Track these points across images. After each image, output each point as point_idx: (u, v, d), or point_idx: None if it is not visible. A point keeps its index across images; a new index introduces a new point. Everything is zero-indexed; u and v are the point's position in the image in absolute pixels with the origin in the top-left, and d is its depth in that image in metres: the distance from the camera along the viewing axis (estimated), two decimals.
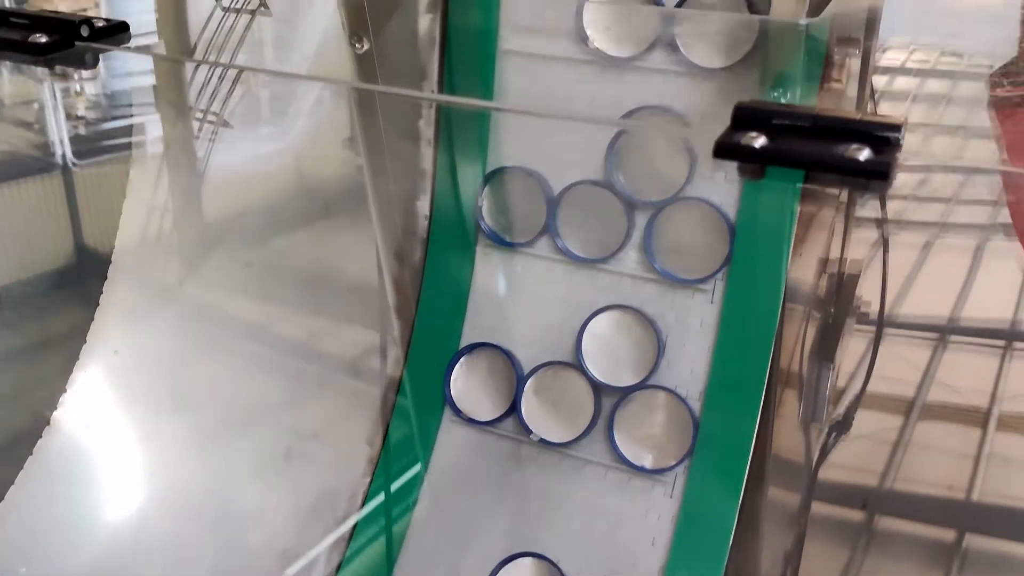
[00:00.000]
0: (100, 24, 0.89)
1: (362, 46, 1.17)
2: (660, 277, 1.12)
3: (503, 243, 1.22)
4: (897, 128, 0.61)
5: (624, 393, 1.20)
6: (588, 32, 1.12)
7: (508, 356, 1.27)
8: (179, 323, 1.44)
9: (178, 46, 1.35)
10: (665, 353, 1.17)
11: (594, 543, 1.25)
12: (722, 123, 0.66)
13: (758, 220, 1.03)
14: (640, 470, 1.21)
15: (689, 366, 1.16)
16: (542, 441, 1.28)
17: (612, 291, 1.17)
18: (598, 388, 1.22)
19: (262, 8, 1.48)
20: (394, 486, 1.38)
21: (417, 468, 1.32)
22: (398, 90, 0.92)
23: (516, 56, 1.19)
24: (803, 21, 0.93)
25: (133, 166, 1.44)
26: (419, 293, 1.29)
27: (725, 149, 0.63)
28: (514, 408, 1.28)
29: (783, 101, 0.99)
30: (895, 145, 0.61)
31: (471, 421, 1.32)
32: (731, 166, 0.77)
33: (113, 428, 1.34)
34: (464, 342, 1.27)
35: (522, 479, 1.29)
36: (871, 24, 1.04)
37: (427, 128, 1.31)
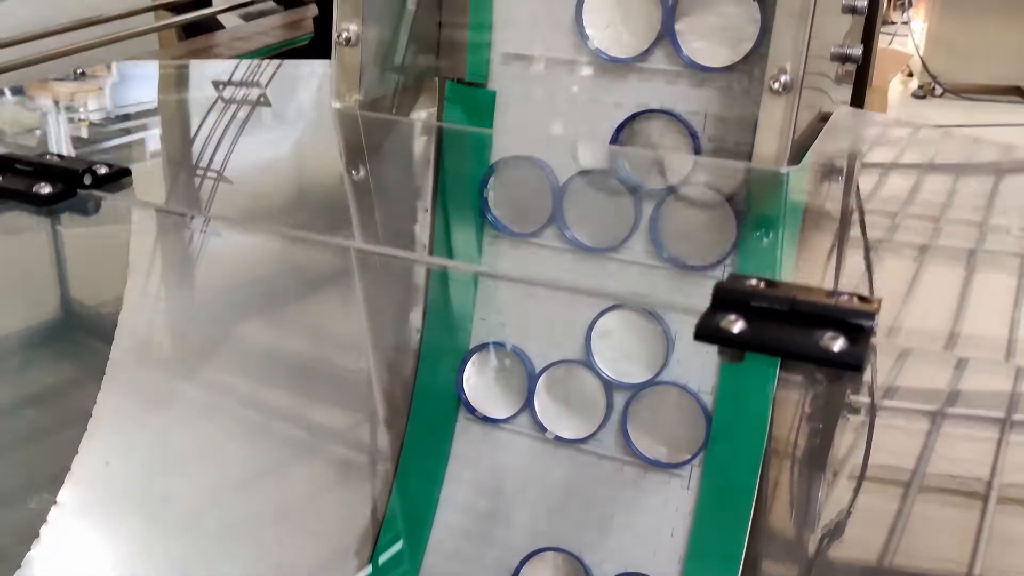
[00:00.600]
0: (103, 171, 0.91)
1: (358, 173, 1.20)
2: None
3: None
4: (871, 315, 0.64)
5: (636, 389, 1.22)
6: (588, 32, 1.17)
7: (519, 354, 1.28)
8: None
9: (180, 133, 1.38)
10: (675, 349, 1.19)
11: (614, 536, 1.26)
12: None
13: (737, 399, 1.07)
14: (655, 464, 1.23)
15: (700, 361, 1.18)
16: (557, 438, 1.31)
17: None
18: (609, 385, 1.25)
19: (261, 99, 1.51)
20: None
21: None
22: (391, 250, 0.94)
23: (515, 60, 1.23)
24: (784, 169, 0.97)
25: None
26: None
27: (705, 333, 0.65)
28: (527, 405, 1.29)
29: (765, 241, 1.02)
30: (869, 332, 0.64)
31: (486, 419, 1.33)
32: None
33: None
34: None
35: (540, 474, 1.31)
36: (851, 169, 1.07)
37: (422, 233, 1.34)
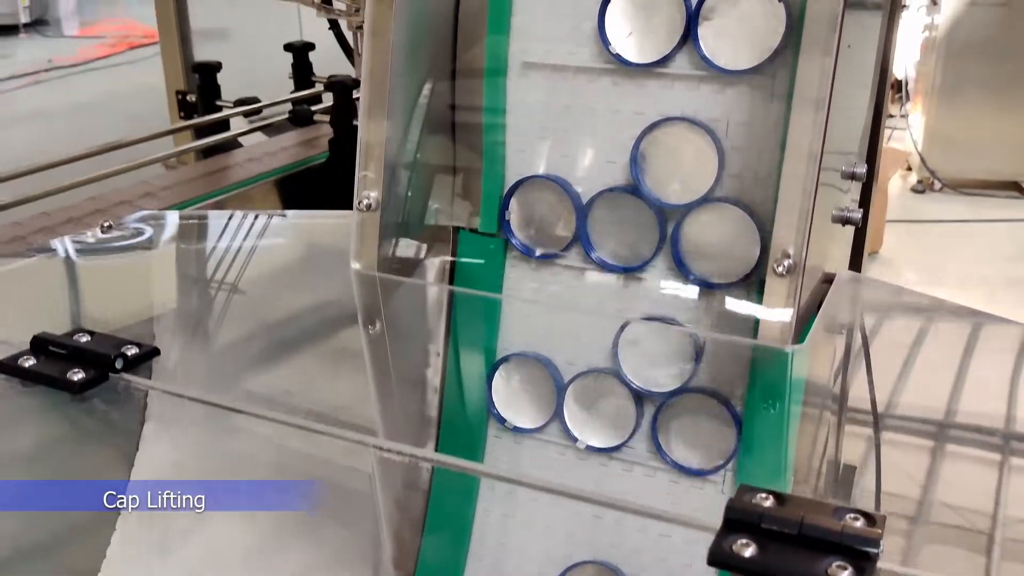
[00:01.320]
0: (132, 352, 0.95)
1: (375, 328, 1.25)
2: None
3: None
4: (876, 542, 0.67)
5: (665, 398, 1.25)
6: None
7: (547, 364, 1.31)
8: None
9: (201, 300, 1.42)
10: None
11: (651, 545, 1.27)
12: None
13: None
14: (688, 471, 1.25)
15: (728, 368, 1.20)
16: (588, 447, 1.33)
17: None
18: (639, 394, 1.27)
19: (281, 258, 1.56)
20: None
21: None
22: (400, 447, 0.97)
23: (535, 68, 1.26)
24: (788, 348, 1.00)
25: None
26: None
27: (718, 559, 0.68)
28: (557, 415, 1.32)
29: (771, 412, 1.06)
30: (874, 559, 0.66)
31: (516, 429, 1.35)
32: None
33: None
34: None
35: (573, 484, 1.31)
36: (853, 348, 1.11)
37: (434, 377, 1.38)
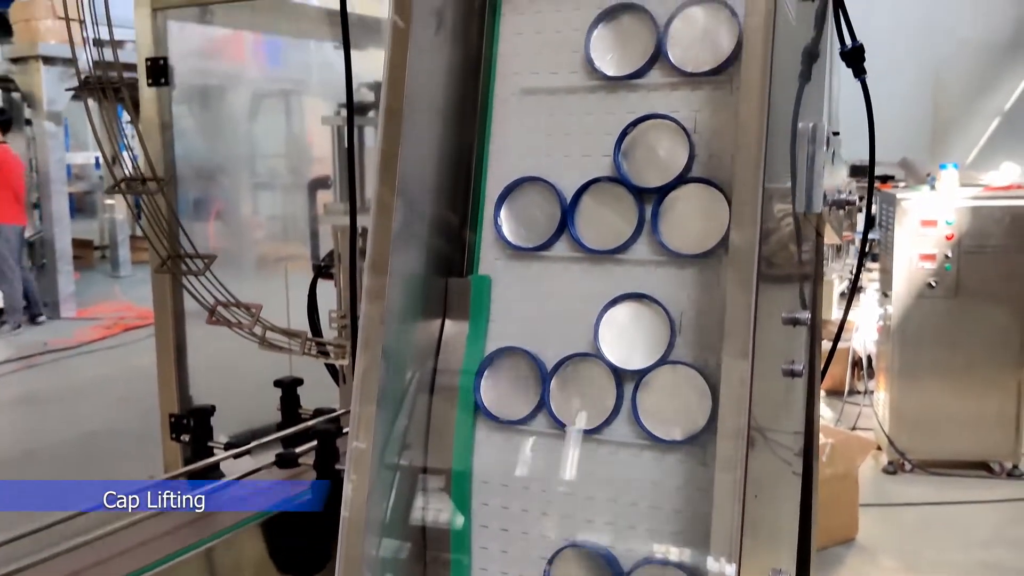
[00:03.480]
0: None
1: None
2: None
3: None
4: None
5: (644, 373, 1.46)
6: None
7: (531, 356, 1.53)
8: None
9: None
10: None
11: (640, 519, 1.41)
12: None
13: None
14: (669, 443, 1.41)
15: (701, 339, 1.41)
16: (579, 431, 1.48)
17: None
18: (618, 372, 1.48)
19: None
20: None
21: None
22: None
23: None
24: None
25: None
26: None
27: None
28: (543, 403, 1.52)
29: None
30: None
31: (506, 422, 1.53)
32: None
33: None
34: None
35: (563, 468, 1.46)
36: None
37: None
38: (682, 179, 1.50)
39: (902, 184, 7.09)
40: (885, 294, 5.54)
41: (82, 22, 2.62)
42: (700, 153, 1.50)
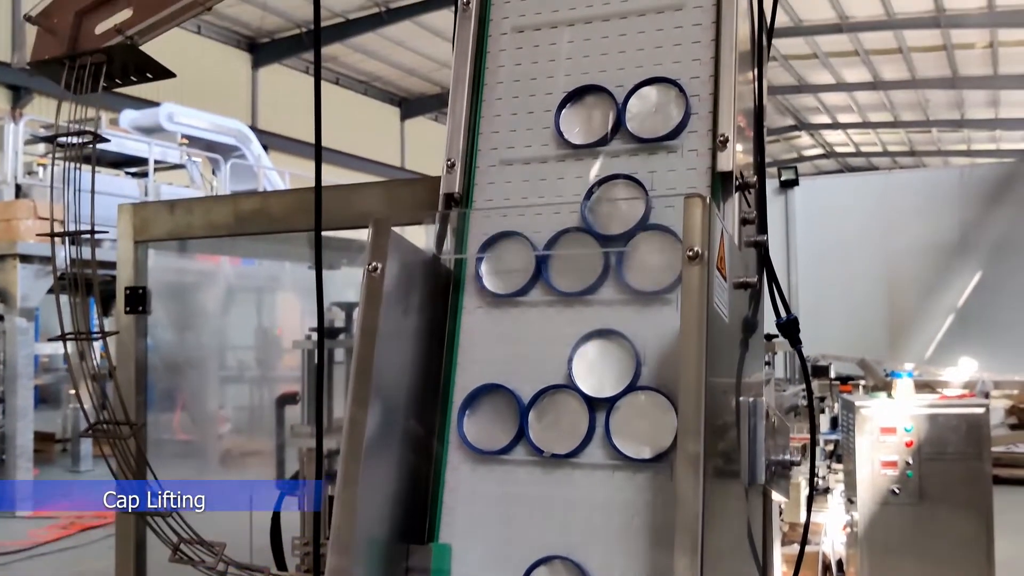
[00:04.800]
0: None
1: None
2: None
3: None
4: None
5: (615, 399, 1.64)
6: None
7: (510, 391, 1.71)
8: None
9: None
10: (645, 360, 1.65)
11: (614, 536, 1.55)
12: None
13: None
14: (639, 462, 1.58)
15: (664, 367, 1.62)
16: (554, 456, 1.64)
17: None
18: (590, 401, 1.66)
19: None
20: None
21: None
22: None
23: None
24: None
25: None
26: None
27: None
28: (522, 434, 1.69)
29: None
30: None
31: (486, 453, 1.70)
32: None
33: None
34: None
35: (540, 494, 1.65)
36: None
37: None
38: (641, 226, 1.74)
39: (863, 383, 7.22)
40: (851, 500, 5.53)
41: (63, 222, 2.69)
42: (656, 204, 1.75)
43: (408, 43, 18.45)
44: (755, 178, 1.80)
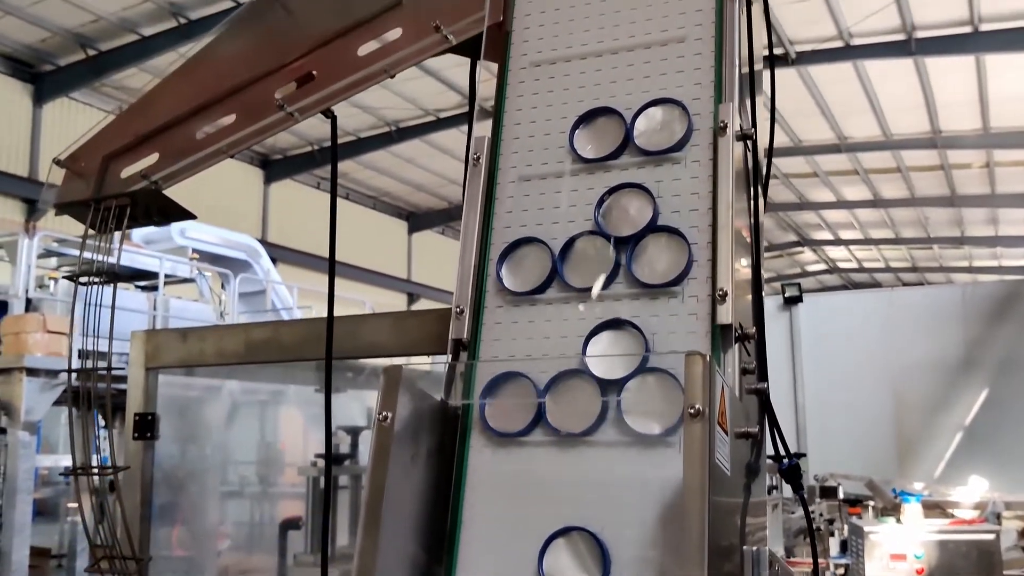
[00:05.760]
0: None
1: None
2: None
3: None
4: None
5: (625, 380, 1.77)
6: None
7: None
8: None
9: None
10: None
11: (626, 508, 1.67)
12: None
13: None
14: (649, 437, 1.71)
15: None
16: (569, 435, 1.76)
17: None
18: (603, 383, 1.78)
19: None
20: None
21: None
22: None
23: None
24: None
25: None
26: None
27: None
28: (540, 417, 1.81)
29: None
30: None
31: (507, 435, 1.83)
32: None
33: None
34: None
35: (557, 471, 1.76)
36: None
37: None
38: (650, 228, 1.91)
39: (872, 504, 7.12)
40: None
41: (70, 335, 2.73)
42: (662, 209, 1.92)
43: (417, 160, 18.91)
44: (754, 329, 1.85)
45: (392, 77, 2.40)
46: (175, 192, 2.62)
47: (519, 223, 2.06)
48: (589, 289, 1.92)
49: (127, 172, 2.51)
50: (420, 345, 2.75)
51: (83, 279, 2.54)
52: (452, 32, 2.30)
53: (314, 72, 2.36)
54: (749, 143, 2.00)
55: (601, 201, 1.98)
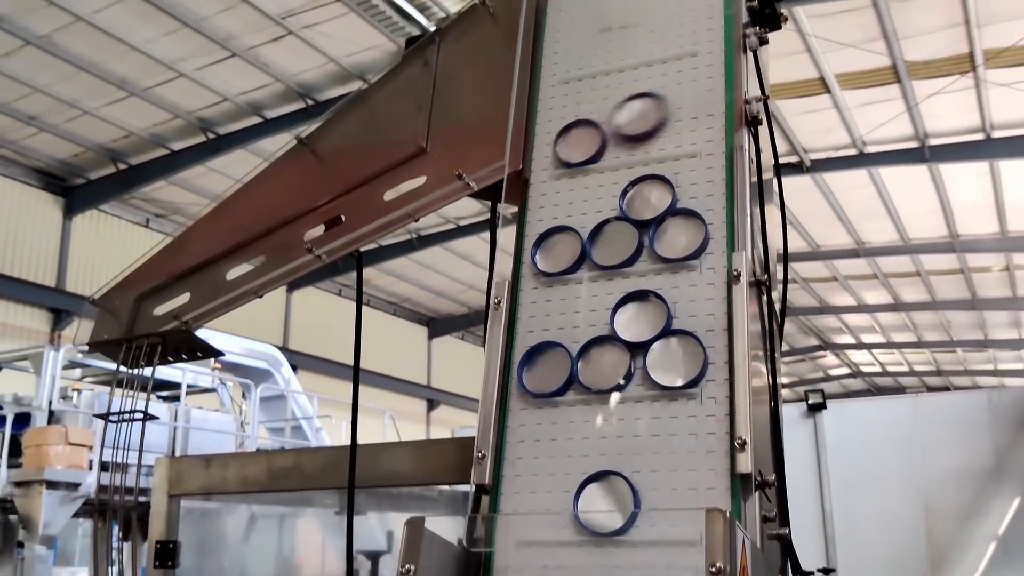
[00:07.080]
0: None
1: None
2: None
3: None
4: None
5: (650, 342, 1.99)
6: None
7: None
8: None
9: None
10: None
11: (655, 453, 1.86)
12: None
13: None
14: (672, 389, 1.91)
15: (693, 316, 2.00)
16: (600, 392, 1.97)
17: None
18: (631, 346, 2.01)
19: None
20: None
21: None
22: None
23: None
24: None
25: None
26: None
27: None
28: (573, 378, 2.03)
29: None
30: None
31: (543, 395, 2.04)
32: None
33: None
34: None
35: (589, 425, 1.97)
36: None
37: None
38: (669, 212, 2.11)
39: None
40: None
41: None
42: (681, 196, 2.12)
43: (437, 267, 19.13)
44: (773, 476, 1.86)
45: (416, 221, 2.48)
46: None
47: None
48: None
49: (159, 311, 2.58)
50: (440, 474, 2.77)
51: (113, 417, 2.59)
52: (474, 179, 2.39)
53: (342, 216, 2.45)
54: (764, 288, 2.05)
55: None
